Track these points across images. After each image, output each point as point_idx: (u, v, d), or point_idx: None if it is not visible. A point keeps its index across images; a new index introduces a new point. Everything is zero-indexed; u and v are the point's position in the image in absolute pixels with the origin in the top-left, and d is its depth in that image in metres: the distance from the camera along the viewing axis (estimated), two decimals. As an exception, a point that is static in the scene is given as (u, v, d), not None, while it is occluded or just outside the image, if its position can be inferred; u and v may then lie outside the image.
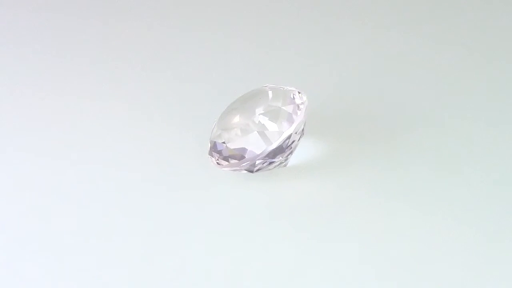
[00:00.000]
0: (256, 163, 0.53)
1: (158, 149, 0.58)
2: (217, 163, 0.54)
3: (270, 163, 0.54)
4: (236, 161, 0.53)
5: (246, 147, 0.53)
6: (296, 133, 0.53)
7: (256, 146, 0.52)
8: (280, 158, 0.54)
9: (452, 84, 0.64)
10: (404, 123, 0.60)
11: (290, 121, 0.53)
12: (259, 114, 0.53)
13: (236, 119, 0.54)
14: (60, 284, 0.49)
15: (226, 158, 0.53)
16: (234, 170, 0.54)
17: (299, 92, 0.54)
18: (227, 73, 0.68)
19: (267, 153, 0.52)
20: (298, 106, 0.54)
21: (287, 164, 0.55)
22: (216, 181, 0.55)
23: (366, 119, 0.60)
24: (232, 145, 0.53)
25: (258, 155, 0.52)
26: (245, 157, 0.53)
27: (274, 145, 0.52)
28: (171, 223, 0.52)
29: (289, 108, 0.53)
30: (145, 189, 0.55)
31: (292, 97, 0.54)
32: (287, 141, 0.53)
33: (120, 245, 0.51)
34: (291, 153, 0.55)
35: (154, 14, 0.78)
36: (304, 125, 0.54)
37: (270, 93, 0.54)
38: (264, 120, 0.53)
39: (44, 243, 0.51)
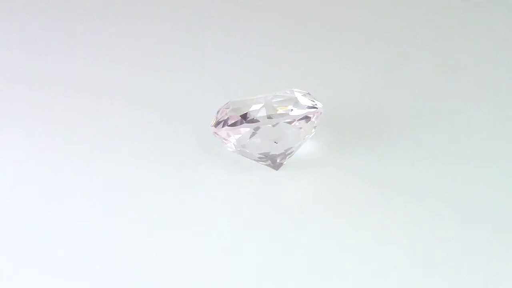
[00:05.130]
0: (232, 135, 0.53)
1: (158, 148, 0.58)
2: (214, 124, 0.54)
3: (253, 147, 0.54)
4: (222, 126, 0.54)
5: (233, 116, 0.54)
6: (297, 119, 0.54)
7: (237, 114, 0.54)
8: (264, 152, 0.54)
9: (456, 83, 0.65)
10: (405, 122, 0.60)
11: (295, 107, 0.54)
12: (268, 97, 0.54)
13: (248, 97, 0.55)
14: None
15: (218, 123, 0.54)
16: (216, 134, 0.54)
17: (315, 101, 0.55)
18: (229, 74, 0.67)
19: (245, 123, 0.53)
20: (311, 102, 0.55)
21: (278, 168, 0.55)
22: (215, 179, 0.55)
23: (368, 120, 0.60)
24: (231, 112, 0.54)
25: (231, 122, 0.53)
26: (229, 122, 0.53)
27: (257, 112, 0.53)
28: (169, 221, 0.52)
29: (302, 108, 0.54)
30: (144, 187, 0.55)
31: (309, 101, 0.55)
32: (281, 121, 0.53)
33: (120, 244, 0.51)
34: (284, 156, 0.55)
35: (156, 13, 0.78)
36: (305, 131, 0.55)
37: (289, 92, 0.55)
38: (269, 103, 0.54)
39: (44, 235, 0.51)
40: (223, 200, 0.54)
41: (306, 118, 0.54)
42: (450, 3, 0.77)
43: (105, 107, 0.64)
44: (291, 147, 0.55)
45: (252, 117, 0.54)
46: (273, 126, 0.53)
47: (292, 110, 0.54)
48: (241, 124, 0.54)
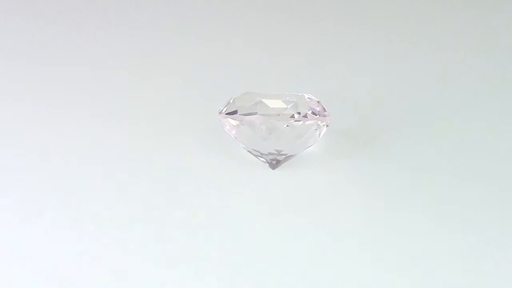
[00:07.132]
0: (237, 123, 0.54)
1: (162, 143, 0.59)
2: (220, 111, 0.55)
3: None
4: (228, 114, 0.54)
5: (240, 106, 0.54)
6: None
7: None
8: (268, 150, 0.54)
9: (463, 91, 0.65)
10: (406, 123, 0.61)
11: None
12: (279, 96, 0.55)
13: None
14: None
15: (221, 111, 0.55)
16: (222, 120, 0.55)
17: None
18: (230, 76, 0.68)
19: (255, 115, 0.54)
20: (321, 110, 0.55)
21: (275, 167, 0.56)
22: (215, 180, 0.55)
23: (376, 131, 0.60)
24: (232, 102, 0.55)
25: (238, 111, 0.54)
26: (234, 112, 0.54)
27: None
28: (168, 219, 0.52)
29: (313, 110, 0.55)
30: (143, 184, 0.55)
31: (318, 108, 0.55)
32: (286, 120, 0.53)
33: (120, 240, 0.51)
34: (279, 157, 0.55)
35: (158, 13, 0.78)
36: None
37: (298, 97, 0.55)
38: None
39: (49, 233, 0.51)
40: (215, 196, 0.54)
41: (304, 123, 0.54)
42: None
43: (107, 106, 0.64)
44: (283, 149, 0.54)
45: (246, 111, 0.54)
46: (263, 123, 0.53)
47: (290, 112, 0.54)
48: (233, 114, 0.54)
